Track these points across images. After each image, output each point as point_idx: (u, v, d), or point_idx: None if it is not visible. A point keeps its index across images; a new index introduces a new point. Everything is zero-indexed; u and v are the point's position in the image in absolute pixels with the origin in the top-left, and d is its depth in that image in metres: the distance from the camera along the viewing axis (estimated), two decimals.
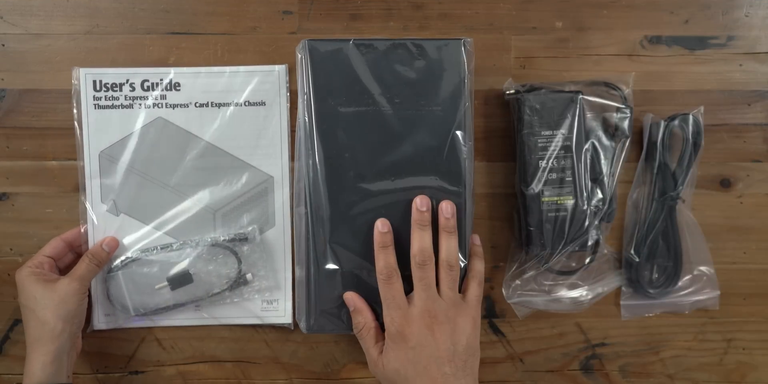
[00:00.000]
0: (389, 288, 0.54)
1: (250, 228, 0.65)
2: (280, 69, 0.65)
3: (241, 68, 0.65)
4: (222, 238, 0.64)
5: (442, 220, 0.56)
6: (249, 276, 0.64)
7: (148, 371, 0.66)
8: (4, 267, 0.66)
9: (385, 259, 0.55)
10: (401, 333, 0.53)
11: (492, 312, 0.66)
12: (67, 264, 0.64)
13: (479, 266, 0.58)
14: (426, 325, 0.53)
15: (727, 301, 0.66)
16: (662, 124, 0.63)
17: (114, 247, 0.63)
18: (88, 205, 0.65)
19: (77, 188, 0.65)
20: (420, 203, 0.55)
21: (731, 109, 0.66)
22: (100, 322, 0.65)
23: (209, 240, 0.64)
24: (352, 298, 0.57)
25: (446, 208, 0.56)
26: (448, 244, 0.55)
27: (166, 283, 0.64)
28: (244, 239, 0.64)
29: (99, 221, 0.65)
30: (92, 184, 0.65)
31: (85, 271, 0.60)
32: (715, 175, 0.66)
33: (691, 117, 0.63)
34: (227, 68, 0.65)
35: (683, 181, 0.63)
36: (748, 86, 0.66)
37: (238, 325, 0.65)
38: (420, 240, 0.55)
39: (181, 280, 0.64)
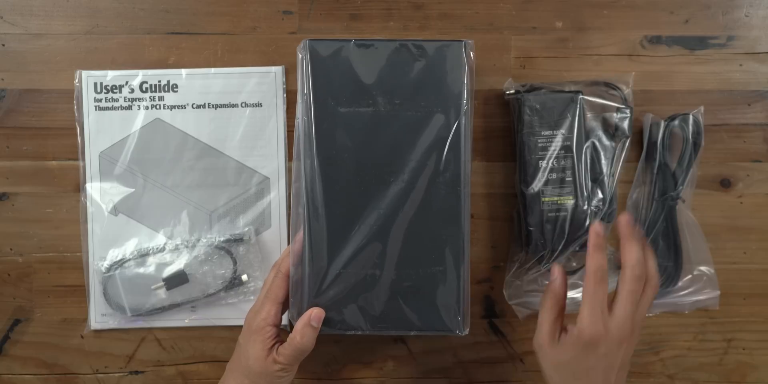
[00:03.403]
0: (597, 289, 0.52)
1: (246, 229, 0.65)
2: (277, 70, 0.65)
3: (238, 69, 0.65)
4: (218, 239, 0.65)
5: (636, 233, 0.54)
6: (244, 277, 0.64)
7: (148, 371, 0.66)
8: (4, 267, 0.66)
9: (599, 261, 0.52)
10: (594, 338, 0.52)
11: (492, 312, 0.66)
12: None
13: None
14: (619, 338, 0.52)
15: (727, 301, 0.66)
16: (662, 124, 0.63)
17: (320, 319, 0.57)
18: (88, 206, 0.65)
19: (77, 188, 0.65)
20: (628, 219, 0.54)
21: (731, 109, 0.66)
22: (96, 322, 0.65)
23: (205, 241, 0.65)
24: (556, 268, 0.56)
25: (629, 219, 0.54)
26: (651, 264, 0.54)
27: (162, 283, 0.64)
28: (239, 240, 0.65)
29: (98, 222, 0.65)
30: (92, 185, 0.65)
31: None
32: (715, 175, 0.66)
33: (691, 117, 0.63)
34: (224, 69, 0.65)
35: (683, 181, 0.63)
36: (748, 86, 0.66)
37: (237, 326, 0.65)
38: (638, 253, 0.53)
39: (177, 280, 0.64)
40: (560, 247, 0.61)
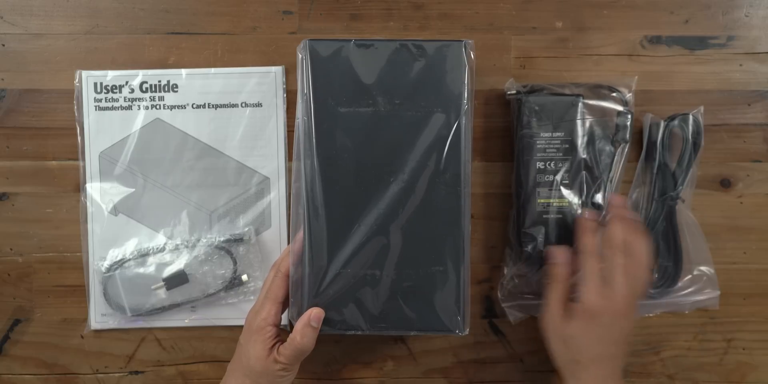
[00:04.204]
0: (595, 265, 0.57)
1: (246, 229, 0.65)
2: (277, 70, 0.65)
3: (238, 69, 0.65)
4: (218, 239, 0.65)
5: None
6: (244, 277, 0.64)
7: (148, 371, 0.66)
8: (4, 267, 0.66)
9: (593, 240, 0.58)
10: (600, 309, 0.56)
11: (492, 312, 0.66)
12: None
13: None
14: (622, 310, 0.56)
15: (727, 301, 0.66)
16: (662, 124, 0.63)
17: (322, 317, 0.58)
18: (88, 206, 0.65)
19: (77, 188, 0.65)
20: (618, 201, 0.60)
21: (731, 109, 0.66)
22: (96, 322, 0.65)
23: (205, 241, 0.65)
24: (557, 251, 0.60)
25: (618, 201, 0.60)
26: (638, 244, 0.58)
27: (162, 283, 0.64)
28: (239, 240, 0.65)
29: (98, 222, 0.65)
30: (92, 185, 0.65)
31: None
32: (715, 175, 0.66)
33: (691, 117, 0.63)
34: (224, 69, 0.65)
35: (683, 181, 0.63)
36: (748, 86, 0.66)
37: (237, 326, 0.65)
38: (622, 232, 0.57)
39: (177, 280, 0.64)
40: None
